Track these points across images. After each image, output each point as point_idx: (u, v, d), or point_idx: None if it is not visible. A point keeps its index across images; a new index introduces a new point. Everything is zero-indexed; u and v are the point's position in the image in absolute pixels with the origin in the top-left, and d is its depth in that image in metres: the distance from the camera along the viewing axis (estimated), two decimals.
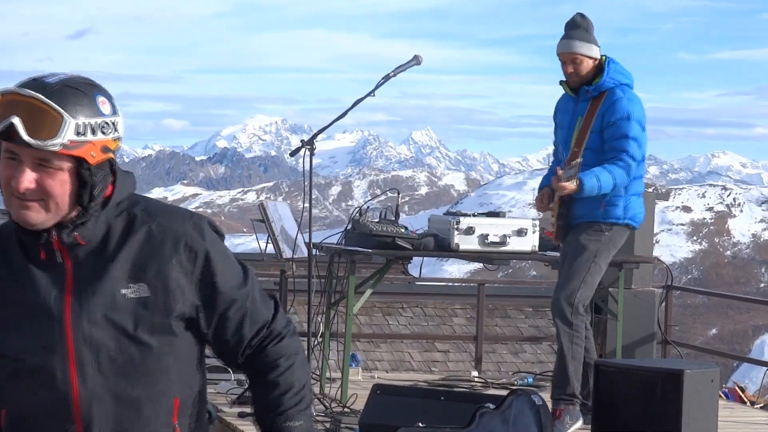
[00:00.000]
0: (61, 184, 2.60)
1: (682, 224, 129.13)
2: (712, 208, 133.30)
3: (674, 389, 6.07)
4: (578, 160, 6.54)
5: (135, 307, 2.64)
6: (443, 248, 7.49)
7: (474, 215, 7.61)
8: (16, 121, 2.53)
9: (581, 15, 6.79)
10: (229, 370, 7.35)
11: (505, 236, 7.48)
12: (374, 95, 6.85)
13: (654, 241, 10.52)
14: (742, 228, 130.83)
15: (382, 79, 6.79)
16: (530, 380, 8.62)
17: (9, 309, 2.66)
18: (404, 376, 9.80)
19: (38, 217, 2.61)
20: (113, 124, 2.65)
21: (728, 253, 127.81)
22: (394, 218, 7.51)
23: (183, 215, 2.73)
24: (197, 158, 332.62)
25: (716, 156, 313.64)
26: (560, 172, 6.54)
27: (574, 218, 6.76)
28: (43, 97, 2.55)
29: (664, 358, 9.18)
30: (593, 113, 6.71)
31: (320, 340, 7.66)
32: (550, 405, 6.46)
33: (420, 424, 6.02)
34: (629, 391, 6.24)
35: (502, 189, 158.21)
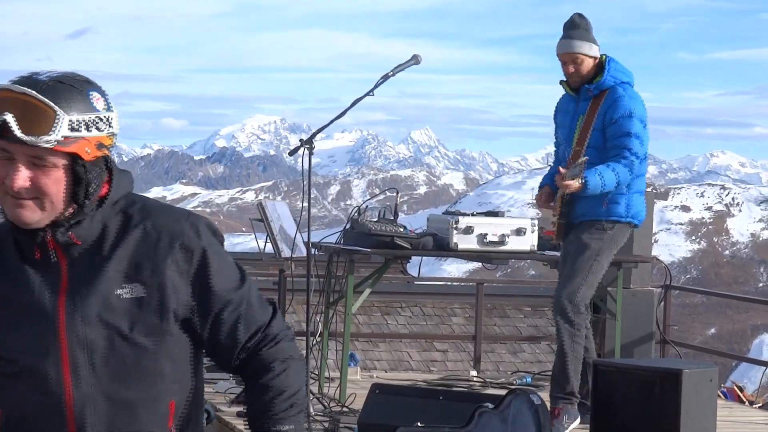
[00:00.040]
0: (56, 182, 2.57)
1: (681, 224, 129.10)
2: (711, 207, 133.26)
3: (673, 389, 6.06)
4: (584, 158, 6.53)
5: (130, 308, 2.62)
6: (442, 248, 7.49)
7: (473, 215, 7.60)
8: (9, 118, 2.51)
9: (579, 15, 6.79)
10: None
11: (503, 236, 7.48)
12: (373, 95, 6.82)
13: (653, 241, 10.51)
14: (741, 227, 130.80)
15: (381, 78, 6.77)
16: (529, 380, 8.63)
17: (4, 309, 2.64)
18: (403, 376, 9.79)
19: (33, 216, 2.58)
20: (107, 120, 2.62)
21: (727, 252, 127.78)
22: (392, 218, 7.50)
23: (179, 215, 2.70)
24: (196, 158, 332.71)
25: (715, 155, 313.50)
26: (564, 170, 6.53)
27: (576, 217, 6.75)
28: (36, 93, 2.52)
29: (663, 357, 9.18)
30: (595, 111, 6.70)
31: (319, 339, 7.65)
32: (548, 404, 6.45)
33: (419, 424, 6.01)
34: (628, 391, 6.23)
35: (501, 188, 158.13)
